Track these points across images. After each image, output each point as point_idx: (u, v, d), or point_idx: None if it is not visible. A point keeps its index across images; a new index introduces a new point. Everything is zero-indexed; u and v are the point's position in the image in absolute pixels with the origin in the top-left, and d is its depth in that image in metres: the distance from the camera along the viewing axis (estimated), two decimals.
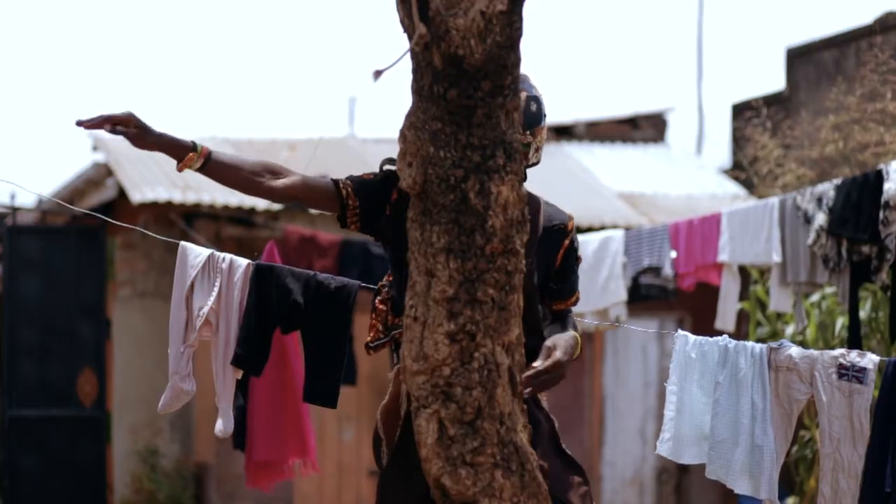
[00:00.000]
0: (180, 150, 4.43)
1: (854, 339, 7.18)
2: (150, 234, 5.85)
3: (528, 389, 4.16)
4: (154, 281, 12.96)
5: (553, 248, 4.54)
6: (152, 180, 12.82)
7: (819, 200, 7.30)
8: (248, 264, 5.47)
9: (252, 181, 4.46)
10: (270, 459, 6.90)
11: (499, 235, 3.97)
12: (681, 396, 5.45)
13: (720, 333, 5.61)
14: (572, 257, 4.60)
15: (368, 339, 4.55)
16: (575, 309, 4.68)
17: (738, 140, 13.50)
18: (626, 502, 14.00)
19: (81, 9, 34.82)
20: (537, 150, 4.47)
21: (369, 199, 4.42)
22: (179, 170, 4.44)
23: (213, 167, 4.45)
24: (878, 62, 9.07)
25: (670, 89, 31.60)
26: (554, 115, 17.16)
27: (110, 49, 34.24)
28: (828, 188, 7.27)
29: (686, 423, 5.46)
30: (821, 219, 7.26)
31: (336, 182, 4.44)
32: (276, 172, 4.48)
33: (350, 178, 4.46)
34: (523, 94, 4.37)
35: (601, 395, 14.02)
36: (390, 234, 4.41)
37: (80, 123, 4.44)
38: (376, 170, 4.52)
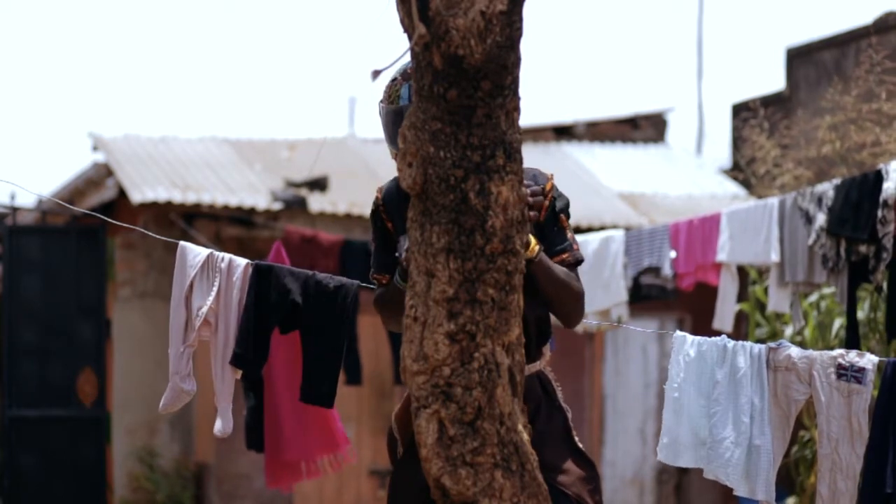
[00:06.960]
0: None
1: (852, 339, 7.18)
2: (150, 234, 5.86)
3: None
4: (154, 281, 12.96)
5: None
6: (152, 180, 12.81)
7: (819, 200, 7.30)
8: (247, 264, 5.47)
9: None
10: (298, 458, 6.87)
11: (499, 235, 3.96)
12: (678, 399, 5.44)
13: (720, 334, 5.60)
14: (552, 214, 4.48)
15: None
16: None
17: (738, 140, 13.50)
18: (626, 502, 14.00)
19: (82, 9, 34.82)
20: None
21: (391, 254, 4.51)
22: None
23: None
24: (872, 63, 9.05)
25: (670, 89, 31.62)
26: (554, 115, 17.16)
27: (111, 49, 34.25)
28: (828, 188, 7.27)
29: (683, 427, 5.44)
30: (820, 219, 7.26)
31: (378, 280, 4.55)
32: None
33: (372, 264, 4.57)
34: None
35: (601, 395, 14.02)
36: None
37: None
38: (372, 189, 4.56)
